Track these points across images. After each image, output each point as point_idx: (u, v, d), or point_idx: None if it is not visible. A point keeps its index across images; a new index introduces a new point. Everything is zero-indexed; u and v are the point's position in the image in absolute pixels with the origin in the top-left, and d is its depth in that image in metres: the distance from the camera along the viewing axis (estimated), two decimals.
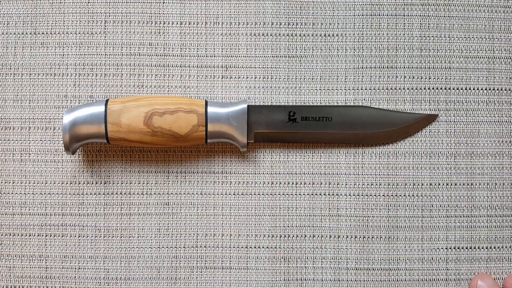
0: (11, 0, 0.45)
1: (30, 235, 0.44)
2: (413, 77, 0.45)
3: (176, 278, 0.44)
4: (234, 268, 0.44)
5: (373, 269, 0.44)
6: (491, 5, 0.45)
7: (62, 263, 0.44)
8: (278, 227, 0.44)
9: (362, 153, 0.45)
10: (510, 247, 0.44)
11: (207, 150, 0.45)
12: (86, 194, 0.44)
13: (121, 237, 0.44)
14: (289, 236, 0.44)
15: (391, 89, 0.45)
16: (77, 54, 0.45)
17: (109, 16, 0.45)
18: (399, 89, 0.45)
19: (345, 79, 0.45)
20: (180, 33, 0.45)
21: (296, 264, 0.44)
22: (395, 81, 0.45)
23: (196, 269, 0.44)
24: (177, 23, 0.45)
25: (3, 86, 0.45)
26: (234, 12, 0.45)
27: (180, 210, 0.44)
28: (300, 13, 0.45)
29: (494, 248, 0.44)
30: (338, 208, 0.44)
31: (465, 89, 0.45)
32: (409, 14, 0.45)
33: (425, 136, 0.45)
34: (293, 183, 0.44)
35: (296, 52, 0.45)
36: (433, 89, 0.45)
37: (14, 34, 0.45)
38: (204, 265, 0.44)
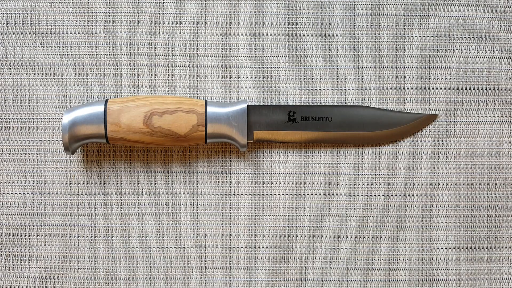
0: (11, 0, 0.45)
1: (29, 235, 0.44)
2: (413, 77, 0.45)
3: (176, 278, 0.44)
4: (234, 268, 0.44)
5: (373, 269, 0.44)
6: (491, 5, 0.45)
7: (62, 263, 0.44)
8: (278, 227, 0.44)
9: (362, 153, 0.45)
10: (510, 247, 0.44)
11: (206, 150, 0.45)
12: (86, 194, 0.44)
13: (121, 237, 0.44)
14: (289, 236, 0.44)
15: (391, 89, 0.45)
16: (77, 54, 0.45)
17: (109, 16, 0.45)
18: (399, 89, 0.45)
19: (345, 79, 0.45)
20: (180, 33, 0.45)
21: (296, 264, 0.44)
22: (395, 81, 0.45)
23: (196, 269, 0.44)
24: (177, 23, 0.45)
25: (2, 86, 0.45)
26: (234, 12, 0.45)
27: (180, 210, 0.44)
28: (300, 13, 0.45)
29: (494, 248, 0.44)
30: (338, 208, 0.44)
31: (465, 89, 0.45)
32: (409, 14, 0.45)
33: (425, 136, 0.45)
34: (293, 183, 0.44)
35: (296, 52, 0.45)
36: (433, 89, 0.45)
37: (13, 34, 0.45)
38: (204, 265, 0.44)
